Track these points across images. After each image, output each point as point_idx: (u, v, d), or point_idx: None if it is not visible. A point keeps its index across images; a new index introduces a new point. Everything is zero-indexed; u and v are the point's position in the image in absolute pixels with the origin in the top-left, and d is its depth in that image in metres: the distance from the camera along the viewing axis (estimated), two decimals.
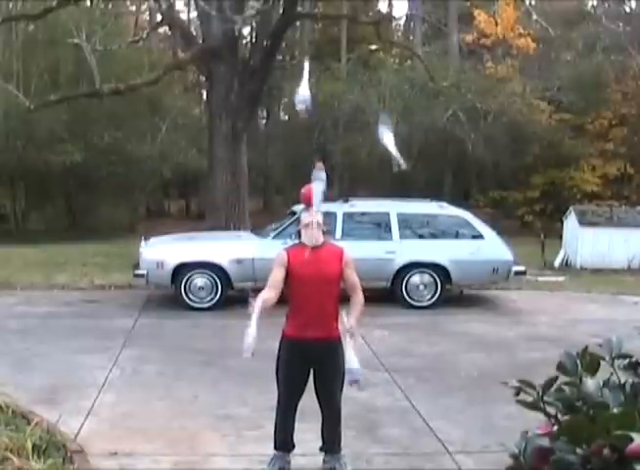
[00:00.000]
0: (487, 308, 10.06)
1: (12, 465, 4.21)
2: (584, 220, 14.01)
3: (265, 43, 14.03)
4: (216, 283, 9.49)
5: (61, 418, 5.08)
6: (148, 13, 28.09)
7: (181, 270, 9.48)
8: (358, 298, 4.34)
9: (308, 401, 4.41)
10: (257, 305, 4.00)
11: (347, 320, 4.13)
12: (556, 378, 1.99)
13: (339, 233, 9.53)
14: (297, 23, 24.40)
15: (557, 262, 14.26)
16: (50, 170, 18.82)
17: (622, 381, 2.02)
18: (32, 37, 19.53)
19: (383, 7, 33.24)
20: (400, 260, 9.73)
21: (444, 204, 10.64)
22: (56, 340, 7.79)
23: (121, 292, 10.84)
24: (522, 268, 10.14)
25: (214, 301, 9.51)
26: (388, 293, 9.74)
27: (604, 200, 20.71)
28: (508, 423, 4.92)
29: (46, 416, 5.10)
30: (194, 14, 24.40)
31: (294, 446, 4.46)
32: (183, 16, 25.32)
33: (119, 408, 5.59)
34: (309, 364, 4.31)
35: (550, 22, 20.58)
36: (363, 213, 10.26)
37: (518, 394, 2.01)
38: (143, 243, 9.96)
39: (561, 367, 2.01)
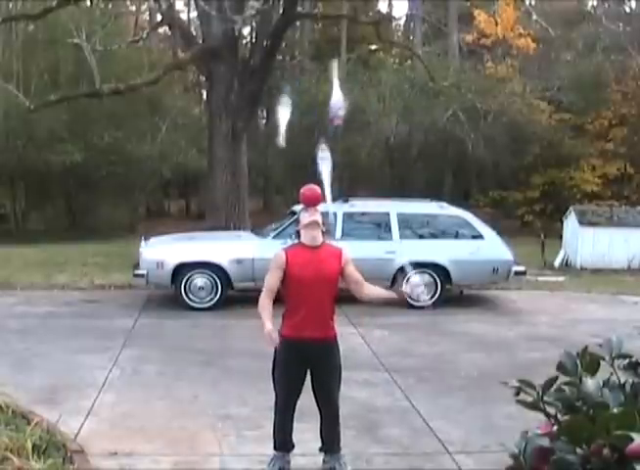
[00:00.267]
0: (487, 308, 10.06)
1: (12, 465, 4.21)
2: (584, 220, 14.01)
3: (265, 43, 14.03)
4: (216, 283, 9.49)
5: (61, 418, 5.08)
6: (148, 13, 28.10)
7: (181, 270, 9.48)
8: (369, 286, 4.45)
9: (307, 402, 4.41)
10: (266, 315, 4.16)
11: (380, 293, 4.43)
12: (556, 378, 1.99)
13: (339, 233, 9.53)
14: (297, 23, 24.42)
15: (557, 262, 14.26)
16: (50, 170, 18.83)
17: (622, 381, 2.02)
18: (32, 37, 19.54)
19: (383, 7, 33.31)
20: (400, 260, 9.71)
21: (444, 204, 10.64)
22: (56, 340, 7.79)
23: (121, 292, 10.84)
24: (522, 268, 10.14)
25: (214, 301, 9.51)
26: None
27: (604, 200, 20.72)
28: (508, 423, 4.92)
29: (46, 416, 5.10)
30: (194, 14, 24.43)
31: (293, 446, 4.46)
32: (183, 16, 25.34)
33: (119, 408, 5.59)
34: (306, 364, 4.31)
35: (550, 22, 20.59)
36: (363, 213, 10.26)
37: (518, 394, 2.01)
38: (143, 243, 9.96)
39: (561, 367, 2.01)
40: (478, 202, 23.11)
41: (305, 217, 4.32)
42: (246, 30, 24.78)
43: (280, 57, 25.73)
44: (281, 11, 13.89)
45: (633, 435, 1.68)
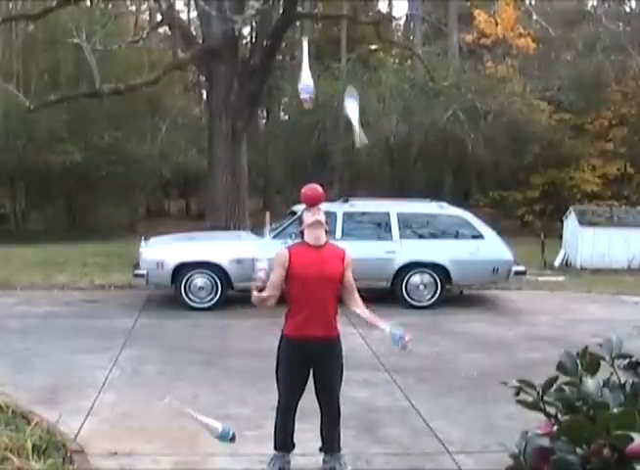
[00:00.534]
0: (487, 308, 10.06)
1: (12, 465, 4.21)
2: (584, 220, 14.01)
3: (265, 43, 14.03)
4: (216, 283, 9.49)
5: (61, 418, 5.08)
6: (148, 13, 28.09)
7: (181, 270, 9.48)
8: (359, 299, 4.42)
9: (308, 401, 4.41)
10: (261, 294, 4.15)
11: (361, 311, 4.35)
12: (556, 378, 1.99)
13: (339, 233, 9.53)
14: (297, 23, 24.40)
15: (557, 262, 14.26)
16: (50, 170, 18.83)
17: (622, 381, 2.02)
18: (32, 37, 19.53)
19: (383, 7, 33.27)
20: (400, 260, 9.73)
21: (444, 204, 10.64)
22: (56, 340, 7.79)
23: (121, 292, 10.84)
24: (522, 268, 10.14)
25: (214, 301, 9.51)
26: (388, 293, 9.74)
27: (604, 200, 20.73)
28: (508, 423, 4.93)
29: (46, 416, 5.10)
30: (194, 14, 24.43)
31: (294, 446, 4.46)
32: (183, 16, 25.34)
33: (119, 408, 5.59)
34: (309, 364, 4.31)
35: (550, 22, 20.59)
36: (363, 213, 10.26)
37: (518, 394, 2.01)
38: (143, 243, 9.96)
39: (561, 367, 2.01)
40: (478, 202, 23.11)
41: (309, 217, 4.32)
42: (246, 30, 24.82)
43: (280, 57, 25.73)
44: (281, 11, 13.89)
45: (633, 435, 1.68)
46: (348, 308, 4.41)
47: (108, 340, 7.75)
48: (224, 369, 6.72)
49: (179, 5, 26.76)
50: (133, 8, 26.79)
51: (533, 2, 26.62)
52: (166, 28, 21.55)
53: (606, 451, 1.72)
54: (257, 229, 10.97)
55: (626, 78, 23.12)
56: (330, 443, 4.46)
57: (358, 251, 9.41)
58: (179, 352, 7.36)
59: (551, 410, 1.95)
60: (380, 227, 10.03)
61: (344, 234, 9.62)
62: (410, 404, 5.77)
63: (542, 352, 7.06)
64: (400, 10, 55.22)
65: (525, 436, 1.94)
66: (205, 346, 7.65)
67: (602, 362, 2.01)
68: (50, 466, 4.27)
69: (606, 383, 2.01)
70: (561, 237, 14.82)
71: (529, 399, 1.97)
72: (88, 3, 20.94)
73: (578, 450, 1.77)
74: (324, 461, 4.47)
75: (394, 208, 10.17)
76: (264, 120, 31.74)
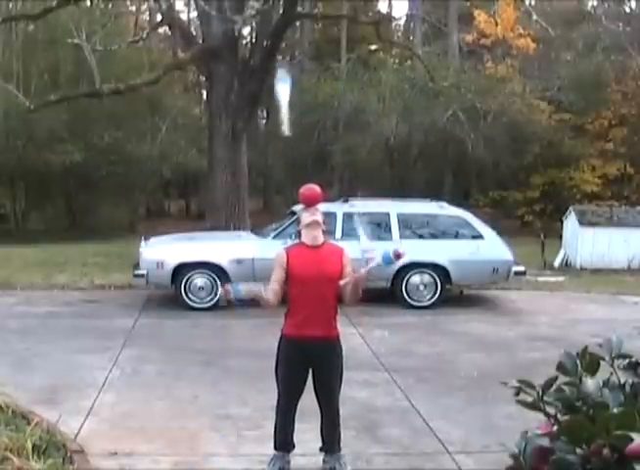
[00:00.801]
0: (487, 308, 10.05)
1: (12, 465, 4.21)
2: (584, 220, 14.01)
3: (265, 43, 14.03)
4: (216, 283, 9.49)
5: (61, 418, 5.08)
6: (148, 13, 28.08)
7: (181, 270, 9.48)
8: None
9: (308, 402, 4.41)
10: (264, 294, 4.13)
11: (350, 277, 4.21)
12: (556, 378, 1.99)
13: (339, 233, 9.52)
14: (297, 23, 24.42)
15: (557, 262, 14.26)
16: (50, 170, 18.83)
17: (622, 381, 2.02)
18: (32, 37, 19.53)
19: (383, 7, 33.30)
20: (400, 260, 9.71)
21: (444, 204, 10.64)
22: (56, 340, 7.79)
23: (121, 292, 10.84)
24: (522, 268, 10.14)
25: (214, 301, 9.51)
26: (388, 293, 9.74)
27: (604, 200, 20.73)
28: (508, 423, 4.92)
29: (46, 416, 5.09)
30: (194, 14, 24.44)
31: (294, 447, 4.46)
32: (183, 16, 25.35)
33: (119, 408, 5.59)
34: (308, 364, 4.31)
35: (550, 22, 20.62)
36: (363, 213, 10.25)
37: (518, 394, 2.01)
38: (143, 243, 9.96)
39: (561, 367, 2.01)
40: (478, 202, 23.12)
41: (306, 217, 4.33)
42: (246, 30, 24.82)
43: (280, 57, 25.73)
44: (281, 11, 13.89)
45: (633, 435, 1.68)
46: (346, 303, 4.36)
47: (108, 340, 7.75)
48: (224, 369, 6.72)
49: (179, 5, 26.81)
50: (133, 8, 26.78)
51: (533, 2, 26.65)
52: (166, 28, 21.55)
53: (606, 451, 1.72)
54: (257, 229, 11.00)
55: (626, 78, 23.12)
56: (330, 443, 4.46)
57: (358, 251, 9.46)
58: (179, 352, 7.36)
59: (551, 410, 1.95)
60: (380, 227, 10.02)
61: (344, 234, 9.61)
62: (410, 404, 5.77)
63: (542, 352, 7.06)
64: (400, 10, 55.30)
65: (524, 436, 1.94)
66: (205, 346, 7.65)
67: (602, 362, 2.01)
68: (50, 466, 4.27)
69: (606, 383, 2.01)
70: (561, 237, 14.82)
71: (529, 399, 1.97)
72: (88, 3, 20.94)
73: (578, 450, 1.77)
74: (324, 461, 4.47)
75: (394, 208, 10.17)
76: (264, 120, 31.74)
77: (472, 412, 5.61)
